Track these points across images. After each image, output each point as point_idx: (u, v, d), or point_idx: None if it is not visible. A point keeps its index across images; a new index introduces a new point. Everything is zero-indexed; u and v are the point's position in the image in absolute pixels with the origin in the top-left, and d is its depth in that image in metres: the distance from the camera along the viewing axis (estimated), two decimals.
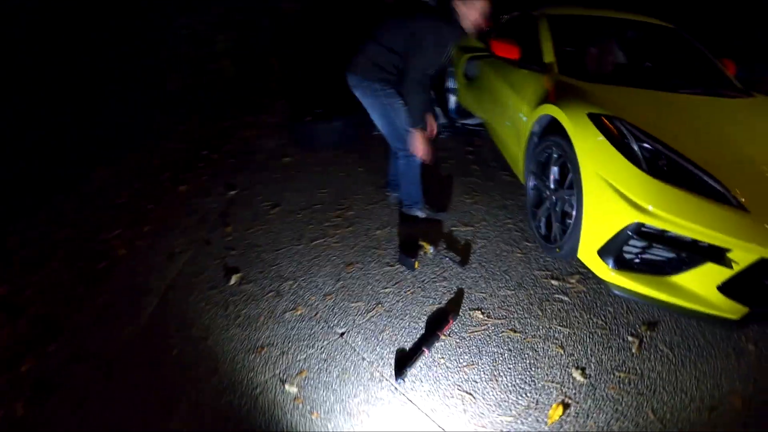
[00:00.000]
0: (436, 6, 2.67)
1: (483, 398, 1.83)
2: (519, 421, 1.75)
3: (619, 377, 1.98)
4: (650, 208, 2.06)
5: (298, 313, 2.26)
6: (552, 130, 2.67)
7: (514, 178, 3.46)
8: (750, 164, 2.34)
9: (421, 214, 2.96)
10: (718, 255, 2.03)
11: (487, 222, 2.95)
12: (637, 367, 2.05)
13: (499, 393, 1.85)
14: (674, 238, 2.09)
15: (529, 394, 1.85)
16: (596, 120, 2.37)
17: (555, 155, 2.59)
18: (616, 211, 2.14)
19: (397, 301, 2.30)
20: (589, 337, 2.19)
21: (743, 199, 2.08)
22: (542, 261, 2.63)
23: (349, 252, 2.68)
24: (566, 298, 2.40)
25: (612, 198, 2.17)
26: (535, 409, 1.80)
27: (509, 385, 1.89)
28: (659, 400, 1.91)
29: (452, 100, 4.71)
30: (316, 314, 2.24)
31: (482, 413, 1.78)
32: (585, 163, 2.31)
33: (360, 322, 2.19)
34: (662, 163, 2.18)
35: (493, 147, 3.91)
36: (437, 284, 2.42)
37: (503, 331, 2.18)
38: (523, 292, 2.41)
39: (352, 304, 2.29)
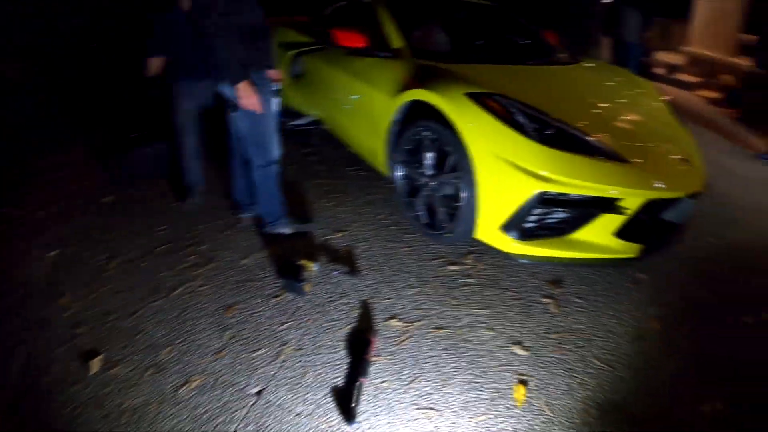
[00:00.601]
0: None
1: (446, 407, 1.75)
2: (492, 416, 1.72)
3: (555, 339, 2.12)
4: (549, 175, 2.19)
5: (194, 385, 1.82)
6: (416, 115, 2.64)
7: (367, 172, 3.41)
8: (610, 120, 2.63)
9: (287, 229, 2.70)
10: (611, 205, 2.27)
11: (358, 223, 2.85)
12: (564, 324, 2.21)
13: (458, 396, 1.80)
14: (573, 199, 2.25)
15: (486, 386, 1.84)
16: (476, 99, 2.41)
17: (428, 140, 2.56)
18: (517, 185, 2.22)
19: (304, 335, 2.05)
20: (511, 311, 2.27)
21: (621, 152, 2.33)
22: (431, 249, 2.63)
23: (222, 293, 2.30)
24: (472, 280, 2.45)
25: (511, 173, 2.23)
26: (500, 397, 1.80)
27: (463, 384, 1.85)
28: (596, 346, 2.08)
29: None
30: (216, 380, 1.84)
31: (453, 423, 1.69)
32: (474, 143, 2.34)
33: (273, 372, 1.87)
34: (549, 132, 2.30)
35: (334, 144, 3.80)
36: (337, 303, 2.24)
37: (429, 332, 2.12)
38: (427, 286, 2.38)
39: (254, 354, 1.96)
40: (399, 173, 2.81)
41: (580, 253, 2.32)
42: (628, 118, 2.74)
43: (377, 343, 2.00)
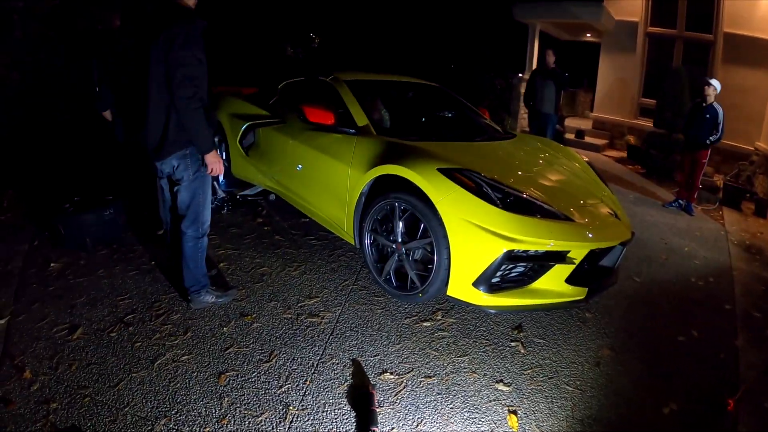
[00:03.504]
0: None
1: None
2: None
3: (529, 374, 2.46)
4: (514, 235, 2.53)
5: None
6: (383, 188, 2.91)
7: (325, 242, 3.61)
8: (552, 185, 3.09)
9: (210, 298, 2.71)
10: (563, 257, 2.67)
11: (328, 290, 2.98)
12: (534, 361, 2.57)
13: (462, 431, 2.01)
14: (533, 254, 2.62)
15: (483, 419, 2.10)
16: (447, 173, 2.73)
17: (399, 210, 2.83)
18: (487, 245, 2.55)
19: (305, 396, 2.12)
20: (486, 355, 2.57)
21: (566, 212, 2.77)
22: (403, 309, 2.85)
23: (209, 362, 2.28)
24: (446, 333, 2.71)
25: (481, 236, 2.55)
26: (498, 427, 2.06)
27: (463, 421, 2.08)
28: (564, 375, 2.48)
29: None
30: None
31: None
32: (447, 212, 2.64)
33: None
34: (510, 199, 2.69)
35: (284, 214, 3.94)
36: (329, 363, 2.34)
37: (421, 380, 2.30)
38: (408, 341, 2.59)
39: (259, 418, 1.98)
40: (368, 241, 3.02)
41: (540, 300, 2.69)
42: (565, 182, 3.26)
43: (377, 395, 2.13)
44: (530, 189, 2.86)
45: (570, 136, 10.22)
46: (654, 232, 5.03)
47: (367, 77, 4.08)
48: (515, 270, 2.67)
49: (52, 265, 2.96)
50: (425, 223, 2.69)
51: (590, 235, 2.76)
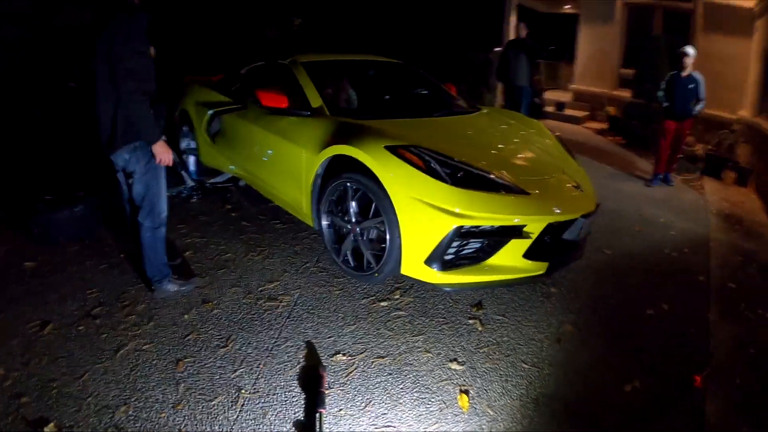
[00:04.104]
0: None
1: (401, 423, 2.03)
2: (444, 423, 2.03)
3: (485, 352, 2.50)
4: (462, 211, 2.53)
5: None
6: (338, 168, 2.95)
7: (290, 225, 3.69)
8: (510, 158, 3.07)
9: (173, 287, 2.82)
10: (518, 232, 2.65)
11: (289, 272, 3.09)
12: (491, 339, 2.60)
13: (410, 412, 2.09)
14: (485, 230, 2.62)
15: (433, 400, 2.16)
16: (394, 151, 2.73)
17: (352, 191, 2.87)
18: (437, 222, 2.55)
19: (257, 379, 2.23)
20: (442, 334, 2.61)
21: (522, 186, 2.73)
22: (361, 290, 2.94)
23: (169, 349, 2.41)
24: (403, 312, 2.77)
25: (430, 213, 2.56)
26: (447, 407, 2.13)
27: (412, 401, 2.15)
28: (522, 353, 2.51)
29: (192, 160, 4.53)
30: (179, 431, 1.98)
31: None
32: (395, 190, 2.65)
33: (234, 416, 2.02)
34: (459, 175, 2.67)
35: (252, 200, 4.01)
36: (283, 346, 2.45)
37: (372, 361, 2.37)
38: (363, 322, 2.67)
39: (213, 402, 2.09)
40: (325, 222, 3.08)
41: (497, 276, 2.68)
42: (525, 155, 3.23)
43: (328, 377, 2.23)
44: (483, 162, 2.83)
45: (550, 108, 10.21)
46: (630, 203, 5.00)
47: (327, 58, 4.08)
48: (469, 246, 2.66)
49: (26, 264, 3.10)
50: (376, 203, 2.74)
51: (547, 209, 2.73)
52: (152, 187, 2.61)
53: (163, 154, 2.52)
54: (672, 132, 5.72)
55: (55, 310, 2.66)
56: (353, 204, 2.91)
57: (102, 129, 2.54)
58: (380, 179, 2.69)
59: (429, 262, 2.62)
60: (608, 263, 3.55)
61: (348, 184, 2.88)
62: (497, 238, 2.65)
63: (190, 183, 3.97)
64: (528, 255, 2.72)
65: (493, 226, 2.61)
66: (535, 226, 2.67)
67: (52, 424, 1.97)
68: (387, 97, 4.19)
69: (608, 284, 3.27)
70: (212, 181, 4.25)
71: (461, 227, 2.55)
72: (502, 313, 2.82)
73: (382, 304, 2.81)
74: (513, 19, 10.42)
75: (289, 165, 3.33)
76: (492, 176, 2.73)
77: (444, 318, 2.74)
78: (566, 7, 11.63)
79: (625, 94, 9.07)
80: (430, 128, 3.33)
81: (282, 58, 3.89)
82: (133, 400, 2.11)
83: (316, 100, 3.37)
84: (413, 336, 2.57)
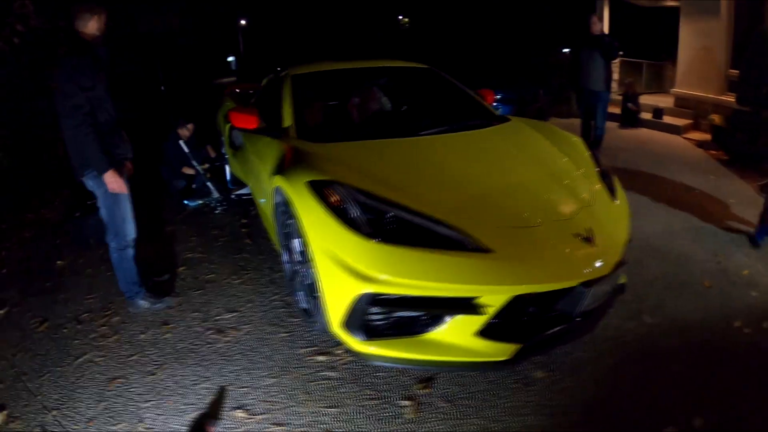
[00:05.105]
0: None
1: None
2: None
3: None
4: (376, 275, 2.02)
5: None
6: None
7: None
8: (491, 197, 2.43)
9: (145, 304, 3.06)
10: (465, 305, 2.04)
11: (253, 303, 3.13)
12: None
13: None
14: (414, 299, 2.05)
15: None
16: (316, 187, 2.33)
17: (295, 227, 2.54)
18: (344, 284, 2.11)
19: (159, 416, 2.32)
20: (360, 413, 2.23)
21: (484, 240, 2.11)
22: (308, 337, 2.80)
23: (113, 365, 2.66)
24: (334, 374, 2.49)
25: (338, 270, 2.12)
26: None
27: None
28: None
29: (227, 169, 4.85)
30: None
31: None
32: (312, 236, 2.27)
33: None
34: (389, 223, 2.16)
35: None
36: (199, 387, 2.48)
37: (266, 428, 2.19)
38: (287, 376, 2.50)
39: (115, 428, 2.27)
40: (284, 257, 2.93)
41: (437, 356, 2.10)
42: (519, 191, 2.56)
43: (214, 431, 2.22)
44: (444, 205, 2.27)
45: (647, 115, 8.57)
46: (706, 243, 3.87)
47: (327, 68, 3.83)
48: (403, 314, 2.18)
49: (58, 262, 3.74)
50: (304, 245, 2.40)
51: (514, 274, 2.09)
52: (114, 212, 2.87)
53: (112, 183, 2.74)
54: None
55: (56, 310, 3.17)
56: (296, 242, 2.62)
57: (70, 156, 2.85)
58: (300, 220, 2.35)
59: (347, 327, 2.19)
60: (644, 338, 2.68)
61: (286, 220, 2.65)
62: (433, 310, 2.12)
63: (216, 194, 4.31)
64: (487, 333, 2.10)
65: (422, 296, 2.04)
66: (493, 298, 2.04)
67: (5, 413, 2.38)
68: (381, 111, 3.73)
69: (629, 374, 2.39)
70: (237, 192, 4.50)
71: (376, 294, 2.06)
72: (450, 399, 2.27)
73: (319, 358, 2.63)
74: (606, 14, 9.21)
75: (262, 189, 3.24)
76: (438, 227, 2.14)
77: (375, 392, 2.34)
78: None
79: (732, 99, 7.20)
80: (399, 153, 2.84)
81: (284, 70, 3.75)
82: (65, 407, 2.41)
83: (288, 119, 3.14)
84: (327, 407, 2.28)
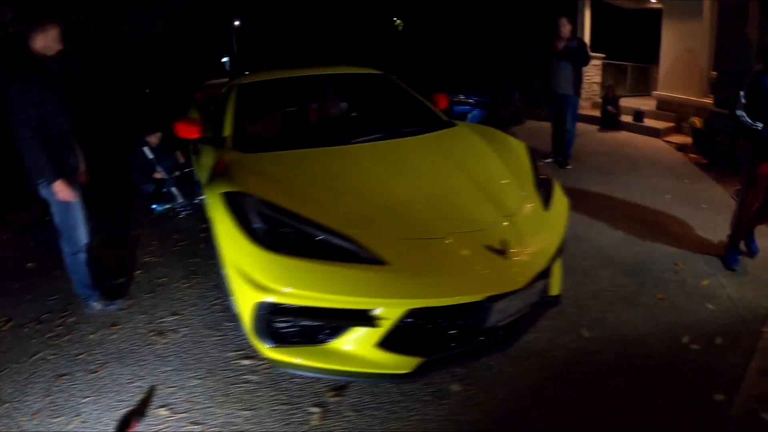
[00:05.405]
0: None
1: None
2: None
3: None
4: (272, 285, 2.08)
5: None
6: None
7: None
8: (402, 207, 2.45)
9: (98, 306, 3.31)
10: (361, 317, 2.08)
11: (196, 307, 3.35)
12: None
13: None
14: (312, 309, 2.11)
15: None
16: (229, 198, 2.44)
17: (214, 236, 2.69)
18: (246, 293, 2.20)
19: (95, 411, 2.55)
20: (270, 417, 2.37)
21: (381, 252, 2.13)
22: (238, 341, 2.95)
23: (63, 363, 2.91)
24: (255, 378, 2.64)
25: (241, 279, 2.22)
26: None
27: None
28: None
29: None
30: None
31: None
32: (223, 245, 2.39)
33: None
34: (288, 235, 2.23)
35: None
36: (133, 385, 2.70)
37: (183, 426, 2.35)
38: (211, 379, 2.67)
39: (55, 420, 2.50)
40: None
41: (339, 366, 2.17)
42: (435, 200, 2.57)
43: (139, 427, 2.42)
44: (349, 215, 2.34)
45: (627, 118, 8.56)
46: (666, 252, 3.74)
47: (275, 76, 3.91)
48: (308, 323, 2.25)
49: (28, 264, 4.05)
50: None
51: (409, 287, 2.11)
52: (66, 219, 3.11)
53: (60, 192, 2.95)
54: (765, 178, 3.36)
55: (20, 310, 3.46)
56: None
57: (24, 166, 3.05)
58: (215, 230, 2.49)
59: (256, 333, 2.29)
60: (576, 354, 2.59)
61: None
62: (333, 320, 2.19)
63: (180, 200, 4.56)
64: (387, 345, 2.15)
65: (317, 307, 2.12)
66: (388, 311, 2.08)
67: None
68: (315, 120, 3.83)
69: (551, 392, 2.36)
70: (201, 197, 4.71)
71: (276, 304, 2.13)
72: (359, 409, 2.35)
73: (244, 362, 2.80)
74: (587, 16, 9.31)
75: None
76: (336, 239, 2.21)
77: (288, 397, 2.47)
78: (652, 0, 9.69)
79: (711, 102, 7.25)
80: (325, 162, 2.92)
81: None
82: (15, 400, 2.68)
83: (228, 129, 3.26)
84: (241, 410, 2.41)
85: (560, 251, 2.68)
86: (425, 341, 2.22)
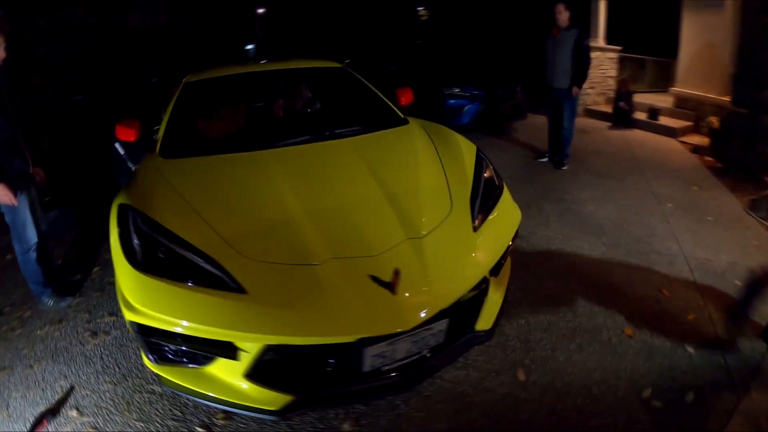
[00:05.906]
0: None
1: None
2: None
3: None
4: (137, 306, 2.02)
5: None
6: None
7: None
8: (280, 226, 2.26)
9: (50, 302, 3.49)
10: (223, 346, 1.96)
11: None
12: None
13: None
14: (178, 334, 1.99)
15: None
16: (121, 211, 2.41)
17: None
18: (122, 309, 2.16)
19: (19, 405, 2.72)
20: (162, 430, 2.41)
21: (242, 280, 1.98)
22: None
23: (8, 356, 3.11)
24: (158, 389, 2.69)
25: (119, 294, 2.21)
26: None
27: None
28: None
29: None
30: None
31: None
32: (112, 256, 2.34)
33: None
34: (160, 255, 2.13)
35: None
36: (57, 383, 2.85)
37: (84, 430, 2.45)
38: (123, 384, 2.75)
39: None
40: None
41: (214, 392, 2.08)
42: (331, 216, 2.35)
43: (48, 427, 2.57)
44: (227, 235, 2.17)
45: (642, 115, 7.87)
46: (653, 274, 3.31)
47: (223, 73, 3.78)
48: (174, 347, 2.15)
49: (8, 257, 4.32)
50: None
51: (265, 321, 1.91)
52: (15, 220, 3.28)
53: (2, 197, 3.09)
54: None
55: None
56: None
57: None
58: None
59: (141, 348, 2.28)
60: (501, 401, 2.25)
61: None
62: (195, 347, 2.07)
63: None
64: (256, 378, 2.01)
65: (180, 332, 2.00)
66: (248, 345, 1.94)
67: None
68: (258, 120, 3.69)
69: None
70: None
71: (146, 326, 2.05)
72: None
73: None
74: (602, 3, 8.75)
75: None
76: (204, 263, 2.07)
77: (182, 413, 2.51)
78: None
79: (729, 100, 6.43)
80: (236, 170, 2.79)
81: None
82: None
83: (161, 131, 3.21)
84: (137, 420, 2.49)
85: (494, 275, 2.37)
86: (302, 378, 2.05)
